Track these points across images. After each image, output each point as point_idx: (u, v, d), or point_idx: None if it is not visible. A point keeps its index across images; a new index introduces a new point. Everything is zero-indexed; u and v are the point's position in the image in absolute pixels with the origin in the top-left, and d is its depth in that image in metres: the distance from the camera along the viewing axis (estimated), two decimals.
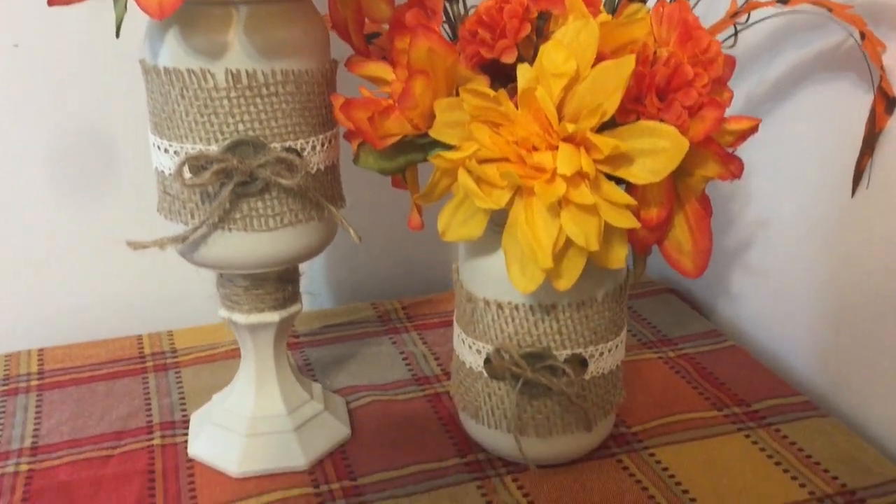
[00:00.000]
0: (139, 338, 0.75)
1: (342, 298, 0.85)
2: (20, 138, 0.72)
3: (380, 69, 0.52)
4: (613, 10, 0.58)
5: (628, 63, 0.45)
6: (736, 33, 0.57)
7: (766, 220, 0.73)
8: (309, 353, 0.73)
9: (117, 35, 0.47)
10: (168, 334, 0.75)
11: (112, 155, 0.74)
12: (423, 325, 0.77)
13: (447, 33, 0.57)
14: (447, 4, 0.55)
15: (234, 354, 0.70)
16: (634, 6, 0.55)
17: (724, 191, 0.76)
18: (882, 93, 0.57)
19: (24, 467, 0.58)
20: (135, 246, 0.52)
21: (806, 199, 0.68)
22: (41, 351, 0.72)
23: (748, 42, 0.67)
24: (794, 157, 0.69)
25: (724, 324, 0.80)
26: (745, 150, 0.73)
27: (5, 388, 0.67)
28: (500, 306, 0.54)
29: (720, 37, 0.58)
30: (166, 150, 0.51)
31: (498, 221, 0.51)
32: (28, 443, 0.61)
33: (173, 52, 0.49)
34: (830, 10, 0.54)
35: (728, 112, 0.51)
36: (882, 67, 0.56)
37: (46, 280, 0.76)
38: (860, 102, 0.61)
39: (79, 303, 0.77)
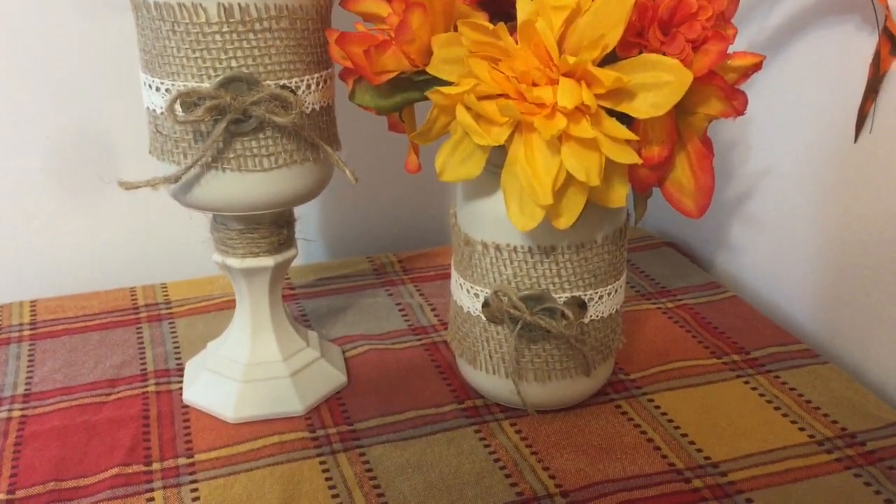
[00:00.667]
0: (132, 290, 0.74)
1: (338, 253, 0.84)
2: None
3: (375, 5, 0.51)
4: None
5: None
6: None
7: (766, 170, 0.72)
8: (305, 305, 0.72)
9: None
10: (162, 286, 0.75)
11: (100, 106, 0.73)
12: (419, 278, 0.77)
13: None
14: None
15: (228, 305, 0.69)
16: None
17: (724, 141, 0.75)
18: (887, 33, 0.56)
19: (16, 413, 0.57)
20: (126, 186, 0.51)
21: (807, 147, 0.67)
22: (34, 302, 0.72)
23: None
24: (795, 105, 0.68)
25: (724, 276, 0.79)
26: (753, 90, 0.72)
27: None
28: (498, 248, 0.53)
29: None
30: (157, 88, 0.50)
31: (496, 162, 0.51)
32: (21, 390, 0.60)
33: None
34: None
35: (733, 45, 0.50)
36: (887, 7, 0.55)
37: (39, 233, 0.75)
38: (864, 45, 0.60)
39: (71, 256, 0.76)
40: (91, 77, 0.71)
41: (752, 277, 0.76)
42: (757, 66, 0.49)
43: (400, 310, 0.71)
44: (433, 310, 0.71)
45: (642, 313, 0.70)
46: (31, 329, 0.68)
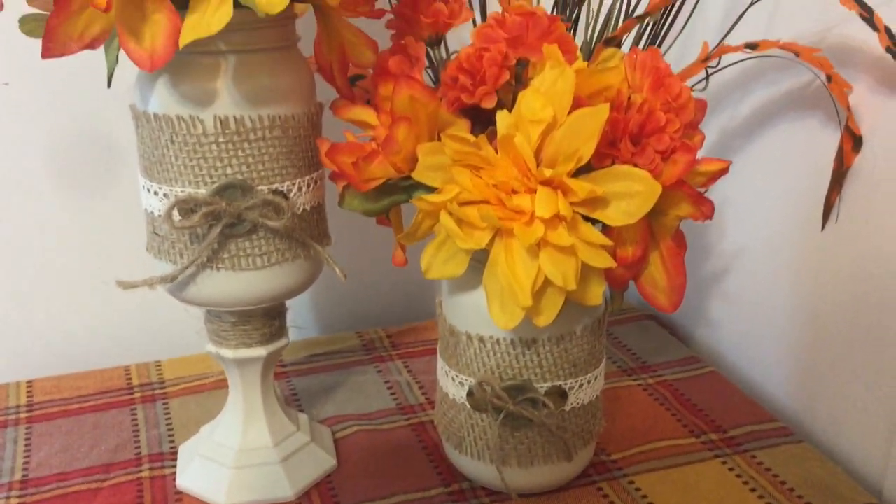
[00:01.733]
0: (127, 368, 0.76)
1: (327, 327, 0.86)
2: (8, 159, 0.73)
3: (364, 113, 0.54)
4: (590, 54, 0.60)
5: (603, 111, 0.47)
6: (707, 77, 0.59)
7: (741, 249, 0.75)
8: (296, 383, 0.74)
9: (108, 85, 0.48)
10: (156, 364, 0.76)
11: (99, 192, 0.76)
12: (407, 354, 0.79)
13: (430, 76, 0.59)
14: (429, 49, 0.57)
15: (221, 385, 0.71)
16: (609, 51, 0.57)
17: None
18: (849, 132, 0.59)
19: (14, 501, 0.59)
20: (124, 285, 0.53)
21: (779, 230, 0.70)
22: (30, 382, 0.73)
23: (720, 78, 0.70)
24: (766, 189, 0.71)
25: (703, 349, 0.81)
26: (719, 182, 0.75)
27: None
28: (482, 340, 0.56)
29: (693, 79, 0.60)
30: (156, 193, 0.53)
31: (479, 258, 0.53)
32: (18, 476, 0.61)
33: (163, 100, 0.51)
34: (798, 54, 0.57)
35: (701, 150, 0.53)
36: (849, 108, 0.58)
37: (35, 311, 0.77)
38: (829, 138, 0.63)
39: (67, 333, 0.78)
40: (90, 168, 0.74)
41: (730, 351, 0.78)
42: (723, 171, 0.52)
43: (388, 388, 0.73)
44: (421, 387, 0.73)
45: (624, 390, 0.72)
46: (27, 411, 0.69)
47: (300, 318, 0.84)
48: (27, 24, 0.50)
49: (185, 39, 0.44)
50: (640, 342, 0.80)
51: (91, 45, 0.48)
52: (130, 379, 0.74)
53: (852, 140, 0.60)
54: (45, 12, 0.50)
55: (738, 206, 0.74)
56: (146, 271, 0.55)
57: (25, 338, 0.77)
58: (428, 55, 0.57)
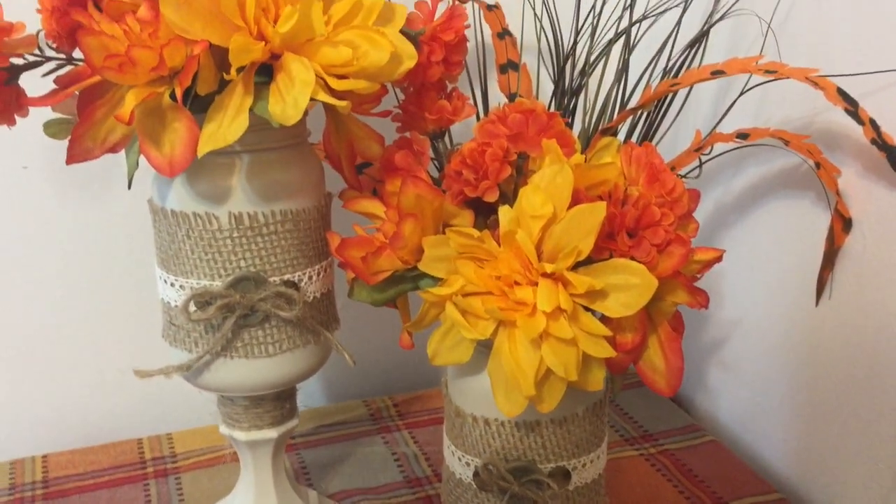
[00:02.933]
0: (139, 442, 0.77)
1: (334, 395, 0.88)
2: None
3: (372, 206, 0.56)
4: (587, 141, 0.62)
5: (600, 209, 0.49)
6: (700, 164, 0.62)
7: (739, 319, 0.77)
8: (304, 455, 0.75)
9: (129, 187, 0.51)
10: (168, 438, 0.78)
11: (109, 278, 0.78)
12: (414, 424, 0.80)
13: (434, 165, 0.61)
14: (433, 142, 0.59)
15: (232, 458, 0.73)
16: (606, 140, 0.60)
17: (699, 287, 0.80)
18: (839, 214, 0.62)
19: None
20: (141, 374, 0.55)
21: (774, 302, 0.72)
22: (45, 458, 0.75)
23: (713, 154, 0.72)
24: (761, 263, 0.73)
25: (703, 416, 0.83)
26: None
27: (11, 498, 0.70)
28: (486, 422, 0.57)
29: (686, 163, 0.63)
30: (172, 284, 0.55)
31: (484, 343, 0.55)
32: None
33: (180, 197, 0.53)
34: (787, 142, 0.59)
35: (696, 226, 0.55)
36: (838, 192, 0.61)
37: (48, 383, 0.79)
38: (820, 216, 0.65)
39: (80, 405, 0.80)
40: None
41: (730, 419, 0.80)
42: (717, 260, 0.54)
43: (395, 459, 0.75)
44: (427, 459, 0.75)
45: (626, 461, 0.73)
46: (43, 488, 0.71)
47: (308, 387, 0.86)
48: (51, 128, 0.53)
49: (203, 150, 0.47)
50: (641, 409, 0.82)
51: (113, 150, 0.50)
52: (143, 453, 0.76)
53: (842, 221, 0.62)
54: (68, 116, 0.53)
55: (735, 277, 0.76)
56: (156, 347, 0.57)
57: (40, 411, 0.79)
58: (432, 145, 0.60)
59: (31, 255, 0.75)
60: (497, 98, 0.71)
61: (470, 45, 0.59)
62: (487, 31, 0.72)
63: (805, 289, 0.67)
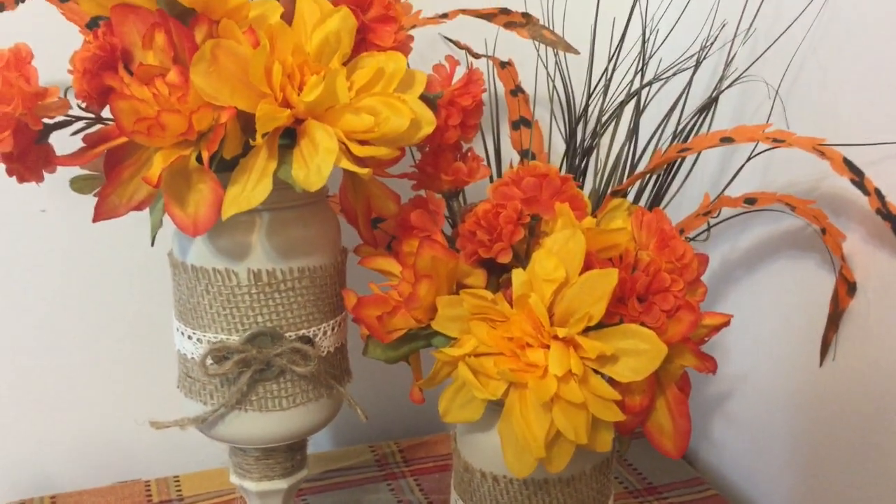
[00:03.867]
0: (147, 483, 0.78)
1: (341, 440, 0.89)
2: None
3: (387, 263, 0.57)
4: (598, 201, 0.64)
5: (612, 275, 0.50)
6: (709, 228, 0.63)
7: (744, 374, 0.78)
8: (311, 501, 0.76)
9: (152, 244, 0.52)
10: (175, 480, 0.78)
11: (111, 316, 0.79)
12: (419, 470, 0.81)
13: (449, 222, 0.62)
14: (448, 200, 0.60)
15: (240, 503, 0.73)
16: (617, 201, 0.61)
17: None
18: (843, 277, 0.63)
19: None
20: (157, 426, 0.56)
21: (780, 360, 0.73)
22: (53, 498, 0.75)
23: (721, 217, 0.73)
24: (767, 320, 0.74)
25: (707, 469, 0.83)
26: (722, 309, 0.78)
27: None
28: (495, 479, 0.58)
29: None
30: (189, 337, 0.56)
31: (495, 401, 0.56)
32: None
33: (200, 252, 0.54)
34: (794, 207, 0.60)
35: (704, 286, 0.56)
36: (842, 257, 0.62)
37: (59, 425, 0.79)
38: (825, 277, 0.66)
39: (88, 444, 0.81)
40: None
41: (733, 472, 0.80)
42: (725, 324, 0.56)
43: None
44: None
45: None
46: None
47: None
48: (77, 184, 0.54)
49: (227, 213, 0.48)
50: (646, 461, 0.82)
51: (138, 208, 0.51)
52: (150, 495, 0.76)
53: (846, 285, 0.63)
54: (93, 172, 0.54)
55: (741, 332, 0.77)
56: (171, 396, 0.58)
57: (48, 451, 0.80)
58: (447, 204, 0.61)
59: (48, 299, 0.76)
60: (509, 153, 0.73)
61: (483, 99, 0.61)
62: (501, 87, 0.74)
63: (810, 348, 0.68)
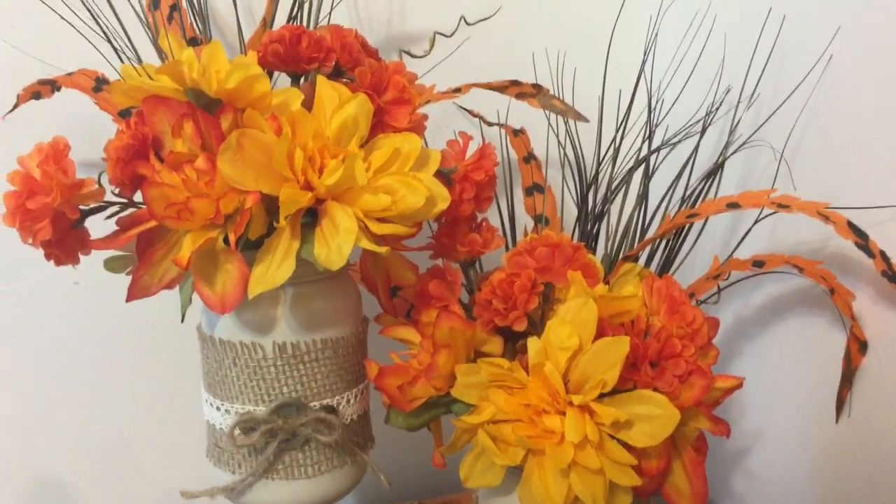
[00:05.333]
0: None
1: (362, 498, 0.90)
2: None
3: (407, 333, 0.59)
4: (610, 266, 0.65)
5: (624, 343, 0.52)
6: (719, 291, 0.65)
7: (762, 430, 0.78)
8: None
9: (182, 321, 0.54)
10: None
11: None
12: None
13: (465, 289, 0.65)
14: (465, 269, 0.63)
15: None
16: (628, 265, 0.63)
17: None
18: (854, 336, 0.64)
19: None
20: (187, 495, 0.58)
21: (796, 416, 0.73)
22: None
23: (731, 280, 0.75)
24: (782, 376, 0.75)
25: None
26: (737, 365, 0.79)
27: None
28: None
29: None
30: (218, 408, 0.58)
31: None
32: None
33: (227, 327, 0.57)
34: (802, 269, 0.62)
35: (718, 335, 0.57)
36: (852, 316, 0.63)
37: (87, 493, 0.81)
38: (838, 334, 0.68)
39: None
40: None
41: None
42: (738, 387, 0.57)
43: None
44: None
45: None
46: None
47: None
48: (111, 264, 0.57)
49: (253, 292, 0.50)
50: None
51: (169, 286, 0.54)
52: None
53: (858, 343, 0.64)
54: (126, 253, 0.57)
55: (758, 387, 0.78)
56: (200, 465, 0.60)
57: None
58: (464, 272, 0.63)
59: (81, 369, 0.79)
60: (523, 218, 0.75)
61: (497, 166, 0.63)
62: (514, 154, 0.76)
63: (825, 405, 0.69)
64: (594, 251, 0.69)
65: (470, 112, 0.81)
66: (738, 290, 0.79)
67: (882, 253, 0.58)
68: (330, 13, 0.71)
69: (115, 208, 0.55)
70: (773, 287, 0.74)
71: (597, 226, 0.68)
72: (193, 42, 0.63)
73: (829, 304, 0.68)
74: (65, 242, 0.52)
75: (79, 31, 0.64)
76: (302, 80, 0.59)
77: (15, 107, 0.64)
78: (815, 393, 0.70)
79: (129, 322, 0.78)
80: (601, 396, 0.53)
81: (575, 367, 0.54)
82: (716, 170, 0.67)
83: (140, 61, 0.62)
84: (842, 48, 0.64)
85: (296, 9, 0.68)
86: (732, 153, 0.68)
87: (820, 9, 0.66)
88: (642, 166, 0.69)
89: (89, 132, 0.65)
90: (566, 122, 0.73)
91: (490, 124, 0.79)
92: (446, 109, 0.82)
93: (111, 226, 0.55)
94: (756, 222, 0.66)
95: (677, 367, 0.54)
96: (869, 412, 0.65)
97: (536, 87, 0.71)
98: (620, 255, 0.66)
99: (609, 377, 0.52)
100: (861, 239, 0.58)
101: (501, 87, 0.71)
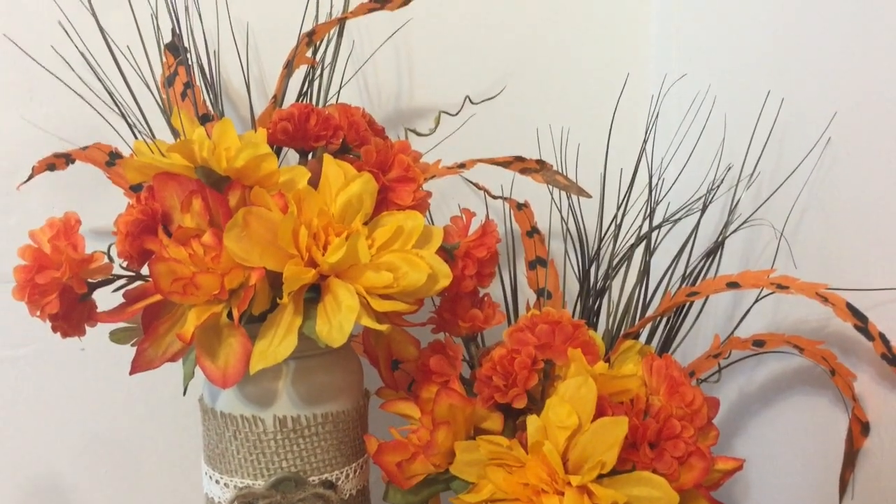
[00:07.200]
0: None
1: None
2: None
3: (407, 408, 0.59)
4: (611, 342, 0.66)
5: (623, 424, 0.52)
6: (720, 370, 0.65)
7: None
8: None
9: (184, 394, 0.55)
10: None
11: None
12: None
13: (467, 363, 0.65)
14: (466, 344, 0.63)
15: None
16: (629, 343, 0.64)
17: None
18: (856, 417, 0.64)
19: None
20: None
21: (799, 497, 0.73)
22: None
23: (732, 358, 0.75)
24: (785, 457, 0.74)
25: None
26: (739, 444, 0.79)
27: None
28: None
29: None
30: (217, 482, 0.58)
31: None
32: None
33: (229, 400, 0.57)
34: (802, 349, 0.62)
35: (717, 418, 0.57)
36: (854, 397, 0.63)
37: None
38: (840, 414, 0.67)
39: None
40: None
41: None
42: (738, 468, 0.57)
43: None
44: None
45: None
46: None
47: None
48: (116, 335, 0.57)
49: (255, 367, 0.51)
50: None
51: (172, 359, 0.55)
52: None
53: (860, 425, 0.64)
54: (131, 325, 0.57)
55: (762, 467, 0.77)
56: None
57: None
58: (465, 347, 0.64)
59: (82, 434, 0.79)
60: (525, 292, 0.75)
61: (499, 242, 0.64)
62: (517, 227, 0.77)
63: (828, 486, 0.68)
64: (595, 327, 0.69)
65: (475, 185, 0.82)
66: (740, 368, 0.79)
67: (881, 335, 0.58)
68: (339, 90, 0.72)
69: (122, 281, 0.56)
70: (776, 365, 0.74)
71: (598, 301, 0.69)
72: (205, 118, 0.64)
73: (829, 384, 0.68)
74: (72, 315, 0.53)
75: (94, 108, 0.66)
76: (309, 156, 0.60)
77: (30, 178, 0.65)
78: (818, 473, 0.70)
79: (131, 390, 0.79)
80: (600, 477, 0.53)
81: (574, 447, 0.54)
82: (716, 248, 0.68)
83: (153, 137, 0.63)
84: (839, 131, 0.65)
85: (306, 85, 0.70)
86: (733, 231, 0.69)
87: (818, 92, 0.67)
88: (643, 243, 0.70)
89: (101, 203, 0.67)
90: (569, 198, 0.74)
91: (494, 197, 0.80)
92: (452, 182, 0.83)
93: (118, 297, 0.56)
94: (756, 301, 0.66)
95: (676, 448, 0.54)
96: (872, 494, 0.64)
97: (540, 162, 0.73)
98: (622, 332, 0.66)
99: (608, 458, 0.52)
100: (860, 321, 0.58)
101: (506, 163, 0.72)
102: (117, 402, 0.79)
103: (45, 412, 0.78)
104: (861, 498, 0.66)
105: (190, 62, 0.66)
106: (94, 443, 0.79)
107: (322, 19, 0.71)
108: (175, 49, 0.67)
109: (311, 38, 0.67)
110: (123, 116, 0.64)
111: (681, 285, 0.68)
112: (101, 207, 0.67)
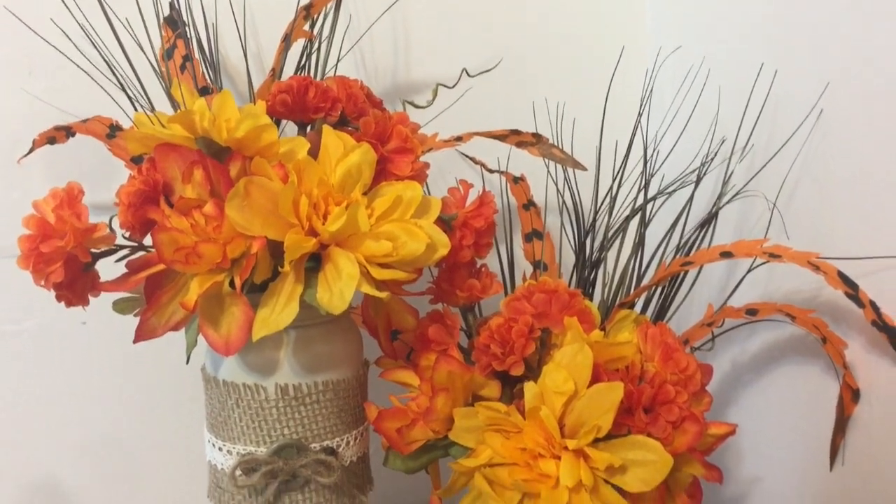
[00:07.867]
0: None
1: None
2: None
3: (407, 376, 0.60)
4: (607, 312, 0.67)
5: (618, 389, 0.53)
6: (713, 338, 0.66)
7: (757, 477, 0.79)
8: None
9: (187, 362, 0.56)
10: None
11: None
12: None
13: (465, 335, 0.66)
14: (464, 314, 0.64)
15: None
16: (624, 312, 0.65)
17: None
18: (847, 384, 0.65)
19: None
20: None
21: (791, 463, 0.74)
22: None
23: (725, 327, 0.76)
24: (777, 423, 0.76)
25: None
26: (732, 412, 0.80)
27: None
28: None
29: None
30: (220, 449, 0.59)
31: None
32: None
33: (231, 368, 0.58)
34: (794, 317, 0.63)
35: (711, 385, 0.58)
36: (844, 365, 0.64)
37: None
38: (831, 383, 0.69)
39: None
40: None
41: None
42: (731, 433, 0.58)
43: None
44: None
45: None
46: None
47: None
48: (119, 305, 0.58)
49: (257, 334, 0.52)
50: None
51: (175, 328, 0.55)
52: None
53: (851, 392, 0.65)
54: (134, 295, 0.58)
55: (753, 436, 0.79)
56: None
57: None
58: (463, 317, 0.65)
59: (86, 407, 0.80)
60: (522, 263, 0.76)
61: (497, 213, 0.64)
62: (513, 200, 0.78)
63: (819, 453, 0.70)
64: (591, 297, 0.70)
65: (472, 159, 0.83)
66: (733, 337, 0.80)
67: (872, 303, 0.60)
68: (337, 64, 0.73)
69: (125, 251, 0.56)
70: (768, 334, 0.75)
71: (594, 272, 0.70)
72: (205, 91, 0.65)
73: (821, 352, 0.69)
74: (76, 285, 0.54)
75: (94, 80, 0.67)
76: (308, 128, 0.61)
77: (30, 151, 0.66)
78: (810, 440, 0.71)
79: (134, 361, 0.79)
80: (596, 441, 0.54)
81: (570, 412, 0.55)
82: (710, 219, 0.69)
83: (153, 109, 0.64)
84: (831, 102, 0.66)
85: (304, 59, 0.70)
86: (726, 203, 0.69)
87: (810, 64, 0.68)
88: (638, 214, 0.71)
89: (101, 176, 0.67)
90: (565, 171, 0.75)
91: (491, 171, 0.81)
92: (449, 155, 0.84)
93: (121, 268, 0.56)
94: (749, 271, 0.67)
95: (671, 413, 0.55)
96: (862, 460, 0.66)
97: (536, 136, 0.73)
98: (617, 302, 0.67)
99: (604, 422, 0.53)
100: (851, 289, 0.59)
101: (502, 136, 0.73)
102: (120, 375, 0.80)
103: (45, 387, 0.79)
104: (851, 463, 0.67)
105: (188, 35, 0.67)
106: (95, 413, 0.80)
107: None
108: (173, 22, 0.67)
109: (308, 12, 0.68)
110: (123, 89, 0.64)
111: (675, 256, 0.69)
112: (102, 182, 0.68)
